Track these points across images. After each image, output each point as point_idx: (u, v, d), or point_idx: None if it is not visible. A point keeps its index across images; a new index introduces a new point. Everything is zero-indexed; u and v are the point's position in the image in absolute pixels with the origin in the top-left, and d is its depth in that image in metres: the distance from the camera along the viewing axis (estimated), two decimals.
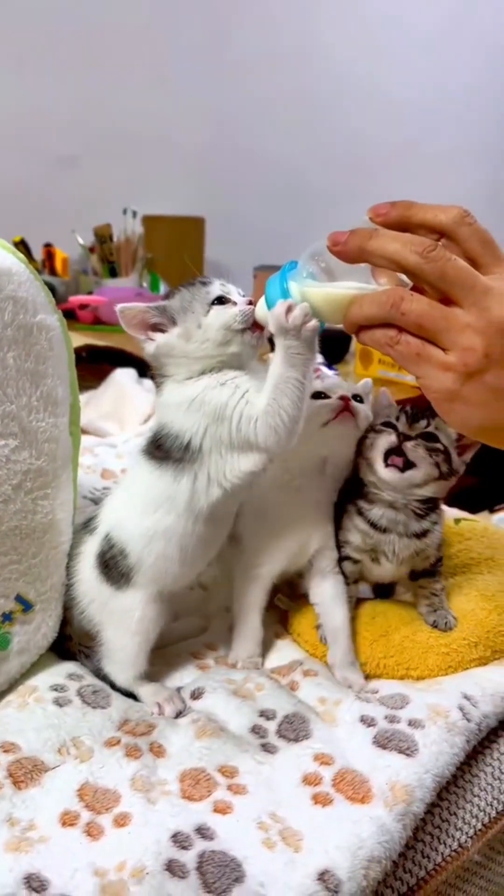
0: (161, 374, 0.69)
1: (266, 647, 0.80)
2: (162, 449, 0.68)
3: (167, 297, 0.70)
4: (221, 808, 0.57)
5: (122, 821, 0.55)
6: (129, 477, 0.76)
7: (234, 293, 0.68)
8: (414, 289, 0.56)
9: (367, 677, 0.75)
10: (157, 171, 2.51)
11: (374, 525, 0.74)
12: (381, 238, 0.54)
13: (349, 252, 0.56)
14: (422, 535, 0.74)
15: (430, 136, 3.27)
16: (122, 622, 0.71)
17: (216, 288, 0.68)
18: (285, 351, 0.62)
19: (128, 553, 0.69)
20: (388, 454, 0.71)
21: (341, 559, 0.77)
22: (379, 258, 0.55)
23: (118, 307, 0.66)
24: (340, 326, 0.60)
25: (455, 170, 3.41)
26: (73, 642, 0.74)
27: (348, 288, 0.58)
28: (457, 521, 0.92)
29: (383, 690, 0.71)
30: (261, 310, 0.64)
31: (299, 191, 2.83)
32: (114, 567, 0.70)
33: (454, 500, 1.28)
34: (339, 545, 0.77)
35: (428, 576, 0.78)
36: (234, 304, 0.67)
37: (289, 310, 0.60)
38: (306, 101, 2.84)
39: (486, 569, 0.82)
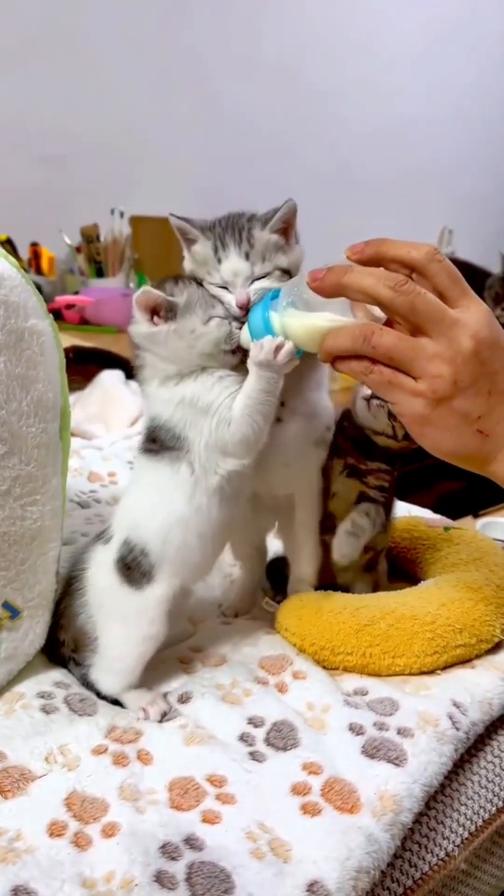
0: (140, 360, 0.71)
1: (256, 641, 0.80)
2: (157, 441, 0.69)
3: (175, 282, 0.70)
4: (210, 818, 0.57)
5: (110, 831, 0.55)
6: (134, 480, 0.76)
7: (232, 315, 0.70)
8: (387, 321, 0.61)
9: (354, 668, 0.75)
10: (144, 172, 2.50)
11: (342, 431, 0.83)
12: (357, 274, 0.59)
13: (327, 287, 0.60)
14: (369, 456, 0.82)
15: (417, 144, 3.30)
16: (132, 626, 0.70)
17: (221, 309, 0.70)
18: (264, 380, 0.66)
19: (148, 551, 0.69)
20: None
21: None
22: (355, 292, 0.59)
23: (143, 288, 0.67)
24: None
25: (439, 185, 3.44)
26: (65, 647, 0.73)
27: (325, 320, 0.63)
28: (446, 528, 0.93)
29: (372, 693, 0.71)
30: (244, 335, 0.68)
31: (287, 195, 2.83)
32: (136, 568, 0.69)
33: (440, 504, 1.29)
34: None
35: (368, 501, 0.82)
36: (228, 321, 0.70)
37: (277, 348, 0.64)
38: (296, 107, 2.85)
39: (475, 567, 0.84)
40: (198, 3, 2.57)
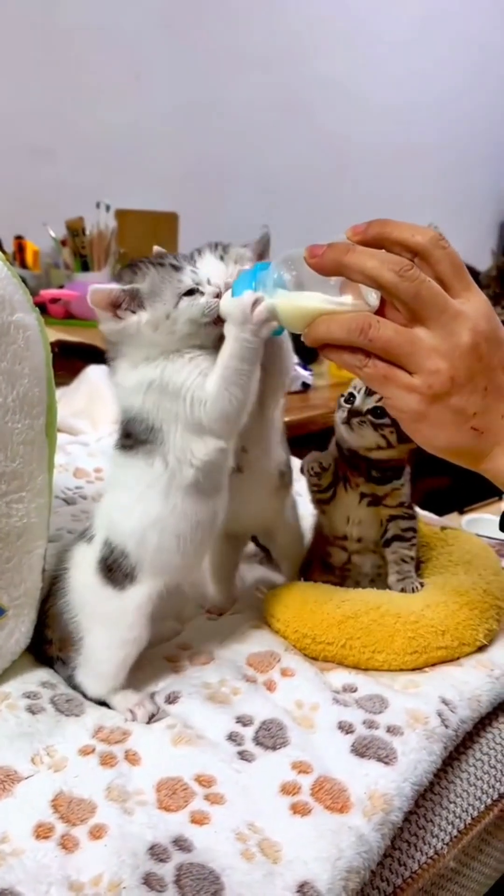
0: (114, 353, 0.67)
1: (243, 637, 0.79)
2: (130, 436, 0.67)
3: (133, 270, 0.66)
4: (199, 819, 0.56)
5: (97, 833, 0.54)
6: (110, 478, 0.74)
7: (202, 278, 0.67)
8: (380, 307, 0.58)
9: (334, 658, 0.75)
10: (130, 166, 2.48)
11: (344, 458, 0.82)
12: (360, 254, 0.56)
13: (326, 265, 0.57)
14: (380, 480, 0.81)
15: (406, 137, 3.30)
16: (113, 629, 0.69)
17: (188, 277, 0.65)
18: (239, 343, 0.62)
19: (128, 553, 0.67)
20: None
21: (317, 472, 0.83)
22: (356, 273, 0.56)
23: (91, 287, 0.63)
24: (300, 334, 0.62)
25: (430, 173, 3.44)
26: (52, 646, 0.72)
27: (317, 301, 0.59)
28: (443, 528, 0.94)
29: (361, 690, 0.71)
30: (225, 305, 0.64)
31: (274, 189, 2.82)
32: (117, 569, 0.68)
33: (425, 501, 1.29)
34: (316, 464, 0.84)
35: (400, 540, 0.82)
36: (202, 293, 0.66)
37: (255, 303, 0.60)
38: (283, 100, 2.83)
39: (463, 570, 0.84)
40: None
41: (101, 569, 0.69)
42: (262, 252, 0.74)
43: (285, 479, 0.83)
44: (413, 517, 0.83)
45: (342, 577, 0.85)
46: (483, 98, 3.60)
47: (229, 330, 0.63)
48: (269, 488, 0.81)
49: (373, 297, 0.58)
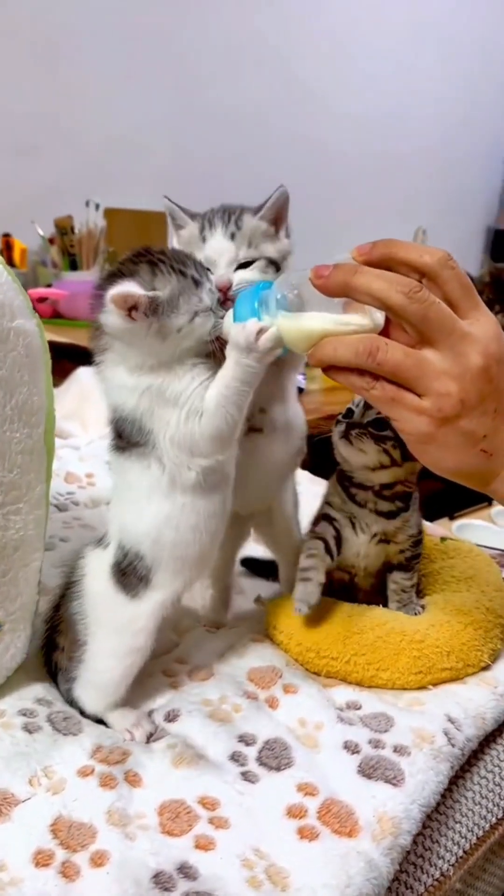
0: (106, 345, 0.64)
1: (243, 651, 0.78)
2: (123, 437, 0.65)
3: (153, 272, 0.62)
4: (204, 844, 0.55)
5: (99, 860, 0.52)
6: (114, 481, 0.71)
7: (215, 298, 0.65)
8: (385, 325, 0.57)
9: (337, 674, 0.74)
10: (120, 165, 2.46)
11: (350, 497, 0.79)
12: (367, 275, 0.54)
13: (332, 286, 0.56)
14: (390, 515, 0.78)
15: (397, 143, 3.30)
16: (119, 637, 0.67)
17: (207, 297, 0.64)
18: (241, 368, 0.61)
19: (143, 554, 0.65)
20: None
21: (321, 519, 0.80)
22: (363, 294, 0.55)
23: (120, 290, 0.60)
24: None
25: (419, 178, 3.45)
26: (63, 654, 0.70)
27: (322, 322, 0.58)
28: (442, 539, 0.92)
29: (366, 707, 0.70)
30: (227, 324, 0.63)
31: (267, 189, 2.81)
32: (132, 574, 0.66)
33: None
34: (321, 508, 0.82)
35: (401, 570, 0.80)
36: (213, 311, 0.64)
37: (259, 331, 0.59)
38: (275, 100, 2.83)
39: (466, 587, 0.82)
40: None
41: (115, 573, 0.67)
42: (278, 216, 0.72)
43: (303, 443, 0.80)
44: (419, 543, 0.81)
45: (341, 593, 0.83)
46: (471, 103, 3.62)
47: (232, 354, 0.61)
48: (289, 449, 0.78)
49: (378, 317, 0.57)
